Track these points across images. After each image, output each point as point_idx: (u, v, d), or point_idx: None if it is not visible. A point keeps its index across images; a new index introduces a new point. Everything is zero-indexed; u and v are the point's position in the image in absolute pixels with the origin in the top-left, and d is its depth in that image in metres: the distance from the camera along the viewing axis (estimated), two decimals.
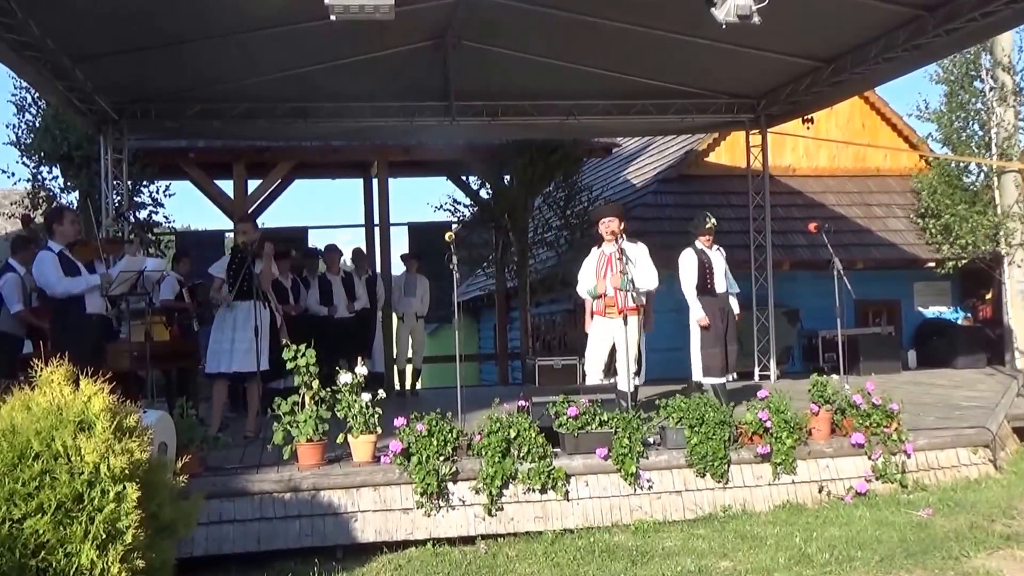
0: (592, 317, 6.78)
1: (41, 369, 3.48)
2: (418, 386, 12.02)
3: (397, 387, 10.91)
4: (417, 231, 13.56)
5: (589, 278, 6.72)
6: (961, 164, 12.27)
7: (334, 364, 5.67)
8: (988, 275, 12.07)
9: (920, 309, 13.39)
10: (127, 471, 3.27)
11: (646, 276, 6.61)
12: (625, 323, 6.31)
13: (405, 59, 8.75)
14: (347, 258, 10.20)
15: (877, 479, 5.75)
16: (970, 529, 4.83)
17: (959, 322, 13.17)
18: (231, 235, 10.64)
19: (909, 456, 5.87)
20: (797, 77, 9.47)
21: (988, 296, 13.13)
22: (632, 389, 6.49)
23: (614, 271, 6.54)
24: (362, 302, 9.59)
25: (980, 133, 11.72)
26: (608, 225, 6.69)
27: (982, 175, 12.23)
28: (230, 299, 6.62)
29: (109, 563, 3.11)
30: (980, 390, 8.83)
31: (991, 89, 11.45)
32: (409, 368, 11.27)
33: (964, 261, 12.00)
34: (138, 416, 3.63)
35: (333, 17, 5.32)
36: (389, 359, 11.15)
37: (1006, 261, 11.33)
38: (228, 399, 7.24)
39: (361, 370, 5.31)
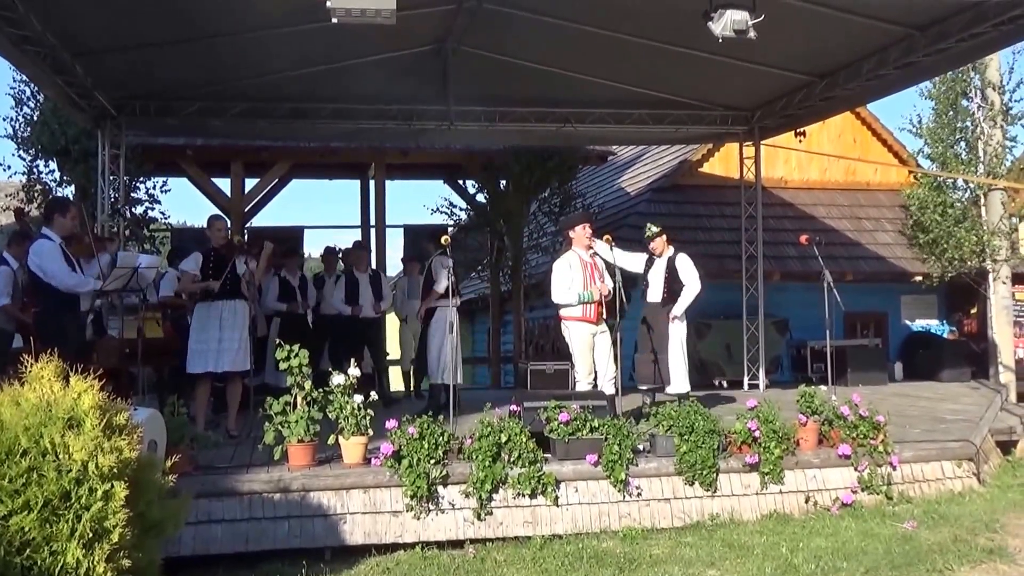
0: (569, 323, 6.78)
1: (31, 364, 3.47)
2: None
3: (401, 388, 10.73)
4: (413, 233, 13.58)
5: (576, 284, 6.66)
6: (949, 180, 12.39)
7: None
8: (974, 290, 12.19)
9: (907, 322, 13.50)
10: (115, 469, 3.25)
11: (608, 281, 6.73)
12: (614, 329, 6.36)
13: (405, 63, 8.78)
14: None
15: (863, 490, 5.79)
16: (954, 542, 4.87)
17: (945, 336, 13.28)
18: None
19: (895, 468, 5.92)
20: (791, 91, 9.56)
21: (973, 311, 13.25)
22: (616, 393, 6.53)
23: (602, 278, 6.60)
24: (387, 302, 9.29)
25: (964, 154, 11.82)
26: (588, 231, 6.74)
27: (969, 192, 12.36)
28: (215, 286, 6.56)
29: (95, 562, 3.09)
30: (965, 404, 8.90)
31: (979, 108, 11.57)
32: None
33: (950, 276, 12.12)
34: (128, 414, 3.61)
35: (335, 20, 5.35)
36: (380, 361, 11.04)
37: (991, 277, 11.44)
38: (212, 397, 7.20)
39: (354, 372, 5.32)
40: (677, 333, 7.31)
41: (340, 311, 8.88)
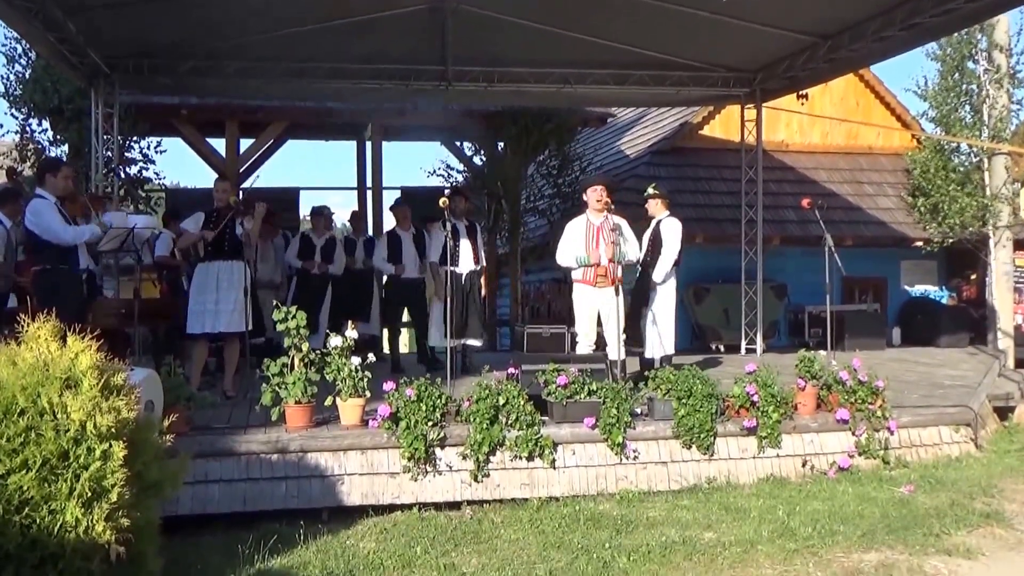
0: (574, 285, 6.76)
1: (27, 324, 3.43)
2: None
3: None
4: (410, 196, 13.45)
5: (577, 247, 6.66)
6: (952, 144, 12.28)
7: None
8: (974, 256, 12.16)
9: (906, 287, 13.49)
10: (113, 429, 3.24)
11: (632, 248, 6.69)
12: (617, 293, 6.33)
13: (403, 22, 8.61)
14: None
15: (860, 455, 5.82)
16: (951, 507, 4.90)
17: (944, 301, 13.28)
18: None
19: (892, 433, 5.94)
20: (794, 53, 9.42)
21: (973, 276, 13.24)
22: (623, 358, 6.51)
23: (607, 242, 6.52)
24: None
25: (969, 117, 11.69)
26: (600, 194, 6.66)
27: (973, 156, 12.25)
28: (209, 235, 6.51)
29: (94, 521, 3.09)
30: (962, 369, 8.92)
31: (986, 71, 11.41)
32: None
33: (951, 241, 12.08)
34: (125, 374, 3.59)
35: None
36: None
37: (992, 242, 11.39)
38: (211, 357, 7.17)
39: (351, 333, 5.29)
40: (667, 297, 7.23)
41: (383, 270, 8.72)
